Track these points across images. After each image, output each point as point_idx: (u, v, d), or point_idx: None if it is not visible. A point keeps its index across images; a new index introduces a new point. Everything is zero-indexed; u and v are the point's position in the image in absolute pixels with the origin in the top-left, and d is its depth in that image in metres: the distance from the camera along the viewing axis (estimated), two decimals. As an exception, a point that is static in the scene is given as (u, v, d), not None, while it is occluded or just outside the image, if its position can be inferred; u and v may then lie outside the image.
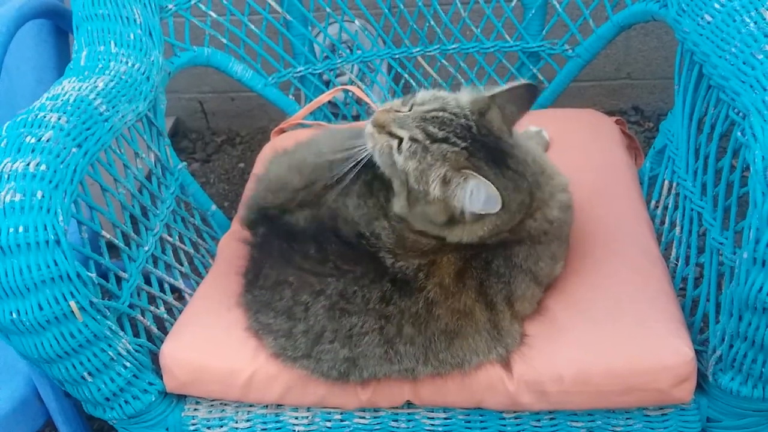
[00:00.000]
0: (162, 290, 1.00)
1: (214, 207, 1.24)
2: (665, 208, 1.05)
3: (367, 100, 1.36)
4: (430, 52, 1.37)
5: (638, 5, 1.14)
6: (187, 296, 1.05)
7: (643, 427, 0.86)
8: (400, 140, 0.83)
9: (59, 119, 0.84)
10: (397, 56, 1.38)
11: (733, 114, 0.80)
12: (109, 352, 0.81)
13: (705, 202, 0.90)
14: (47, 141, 0.81)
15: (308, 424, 0.91)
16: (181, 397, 0.94)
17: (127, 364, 0.84)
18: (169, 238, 1.05)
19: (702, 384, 0.84)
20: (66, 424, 1.08)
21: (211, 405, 0.93)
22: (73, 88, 0.91)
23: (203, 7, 1.25)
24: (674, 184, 1.03)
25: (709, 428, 0.86)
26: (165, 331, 0.95)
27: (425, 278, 0.83)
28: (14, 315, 0.74)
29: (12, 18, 1.09)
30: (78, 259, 0.77)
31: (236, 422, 0.92)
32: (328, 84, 1.43)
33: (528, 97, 0.85)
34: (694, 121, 0.96)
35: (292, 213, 0.91)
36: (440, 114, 0.83)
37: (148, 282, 0.97)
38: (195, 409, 0.93)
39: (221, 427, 0.92)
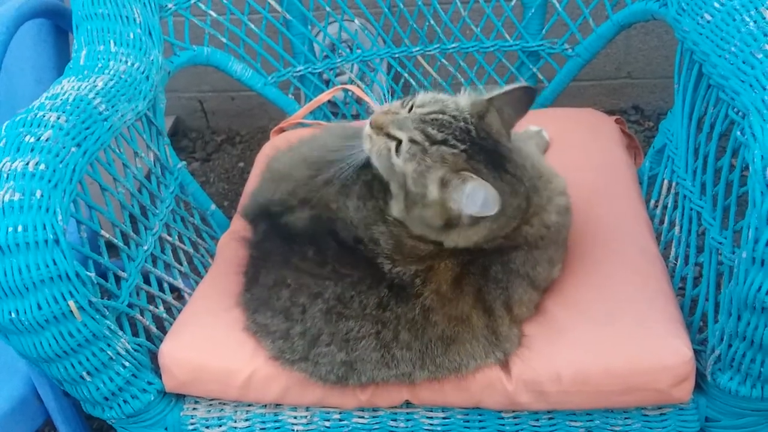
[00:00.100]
0: (161, 290, 1.00)
1: (213, 206, 1.24)
2: (664, 207, 1.05)
3: (366, 99, 1.36)
4: (429, 51, 1.37)
5: (638, 4, 1.14)
6: (186, 296, 1.05)
7: (641, 427, 0.86)
8: (399, 142, 0.83)
9: (58, 118, 0.84)
10: (396, 55, 1.38)
11: (733, 113, 0.80)
12: (108, 352, 0.81)
13: (704, 201, 0.90)
14: (46, 140, 0.81)
15: (307, 424, 0.91)
16: (180, 397, 0.94)
17: (126, 364, 0.84)
18: (168, 238, 1.05)
19: (701, 384, 0.84)
20: (65, 423, 1.08)
21: (210, 404, 0.93)
22: (72, 87, 0.91)
23: (203, 7, 1.25)
24: (674, 184, 1.03)
25: (707, 428, 0.86)
26: (164, 331, 0.95)
27: (422, 285, 0.83)
28: (13, 314, 0.74)
29: (11, 17, 1.09)
30: (77, 259, 0.77)
31: (235, 422, 0.92)
32: (327, 83, 1.43)
33: (526, 100, 0.85)
34: (693, 121, 0.96)
35: (292, 212, 0.91)
36: (440, 116, 0.83)
37: (147, 281, 0.97)
38: (194, 409, 0.93)
39: (220, 426, 0.92)
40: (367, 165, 0.89)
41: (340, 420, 0.90)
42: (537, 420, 0.87)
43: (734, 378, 0.79)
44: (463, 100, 0.85)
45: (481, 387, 0.85)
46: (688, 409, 0.85)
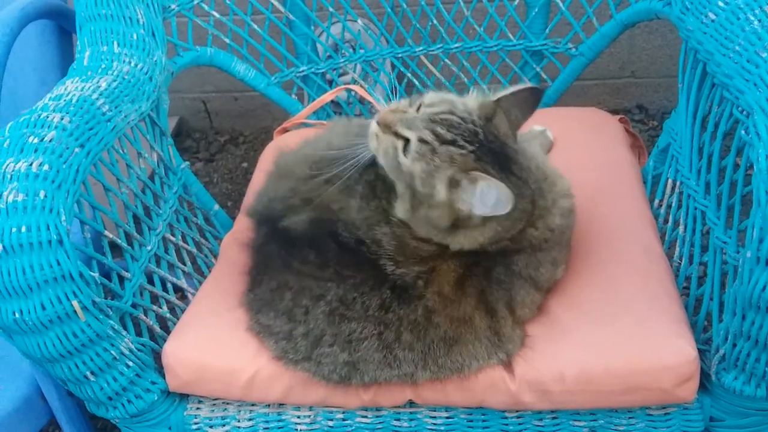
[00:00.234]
0: (165, 289, 1.00)
1: (217, 206, 1.24)
2: (669, 206, 1.04)
3: (370, 99, 1.36)
4: (433, 51, 1.37)
5: (642, 3, 1.13)
6: (189, 295, 1.05)
7: (646, 427, 0.86)
8: (406, 141, 0.82)
9: (62, 119, 0.84)
10: (400, 55, 1.38)
11: (737, 112, 0.80)
12: (112, 352, 0.81)
13: (708, 200, 0.90)
14: (50, 141, 0.81)
15: (310, 423, 0.91)
16: (184, 396, 0.94)
17: (130, 363, 0.85)
18: (171, 238, 1.05)
19: (705, 383, 0.84)
20: (69, 423, 1.09)
21: (214, 404, 0.93)
22: (76, 88, 0.91)
23: (206, 7, 1.25)
24: (678, 183, 1.03)
25: (712, 427, 0.86)
26: (168, 331, 0.95)
27: (424, 286, 0.83)
28: (17, 315, 0.74)
29: (15, 18, 1.10)
30: (81, 259, 0.77)
31: (238, 421, 0.92)
32: (330, 83, 1.43)
33: (533, 100, 0.84)
34: (697, 120, 0.96)
35: (292, 214, 0.91)
36: (449, 117, 0.82)
37: (150, 281, 0.97)
38: (197, 408, 0.93)
39: (223, 426, 0.92)
40: (370, 165, 0.88)
41: (344, 420, 0.90)
42: (541, 420, 0.87)
43: (739, 377, 0.79)
44: (471, 101, 0.85)
45: (484, 387, 0.84)
46: (692, 409, 0.85)
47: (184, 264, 1.07)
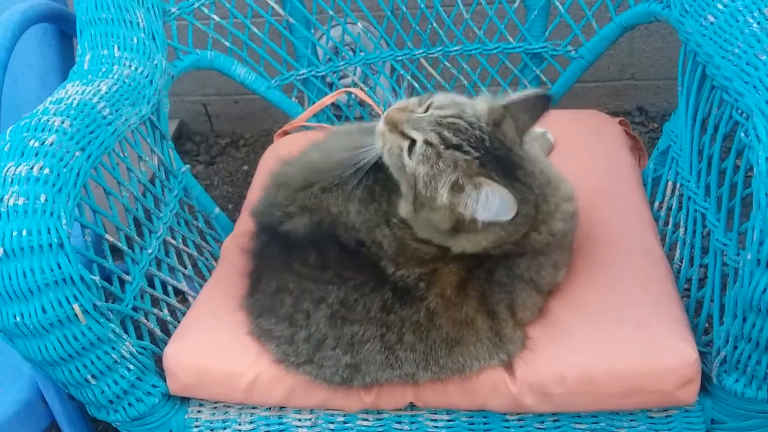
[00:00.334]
0: (165, 293, 1.01)
1: (217, 210, 1.24)
2: (669, 209, 1.04)
3: (370, 102, 1.36)
4: (432, 54, 1.37)
5: (641, 6, 1.13)
6: (190, 299, 1.05)
7: (647, 429, 0.85)
8: (412, 142, 0.82)
9: (63, 123, 0.84)
10: (399, 58, 1.38)
11: (737, 115, 0.80)
12: (113, 355, 0.82)
13: (709, 203, 0.90)
14: (51, 145, 0.81)
15: (311, 427, 0.91)
16: (185, 400, 0.94)
17: (131, 367, 0.85)
18: (172, 241, 1.05)
19: (706, 386, 0.84)
20: (70, 426, 1.08)
21: (215, 407, 0.93)
22: (76, 91, 0.91)
23: (206, 11, 1.25)
24: (678, 185, 1.03)
25: (713, 430, 0.86)
26: (168, 334, 0.95)
27: (426, 288, 0.83)
28: (18, 318, 0.74)
29: (16, 22, 1.10)
30: (81, 262, 0.77)
31: (239, 424, 0.92)
32: (331, 86, 1.43)
33: (541, 106, 0.84)
34: (697, 122, 0.96)
35: (290, 217, 0.91)
36: (457, 121, 0.81)
37: (151, 285, 0.97)
38: (198, 412, 0.93)
39: (224, 429, 0.92)
40: (370, 169, 0.88)
41: (345, 423, 0.90)
42: (542, 422, 0.87)
43: (740, 380, 0.79)
44: (480, 105, 0.84)
45: (485, 389, 0.84)
46: (693, 411, 0.85)
47: (185, 267, 1.07)
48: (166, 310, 0.99)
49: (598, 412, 0.86)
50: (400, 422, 0.90)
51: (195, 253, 1.11)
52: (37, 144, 0.80)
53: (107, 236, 0.90)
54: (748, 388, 0.79)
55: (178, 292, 1.04)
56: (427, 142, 0.81)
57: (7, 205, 0.75)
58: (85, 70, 0.99)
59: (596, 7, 1.23)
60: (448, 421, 0.89)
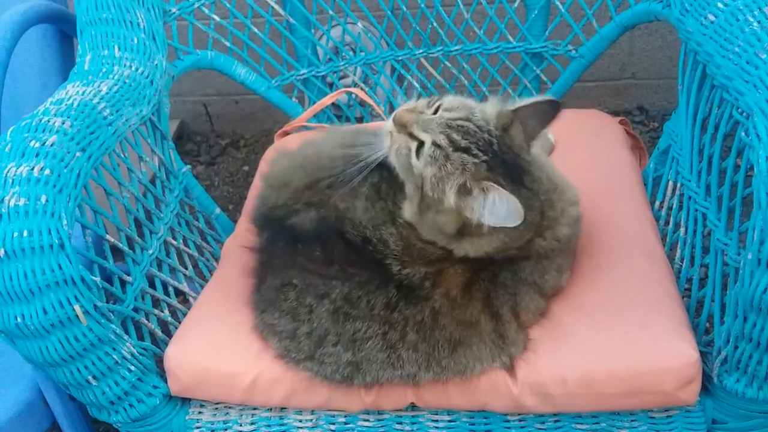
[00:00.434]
0: (166, 293, 1.01)
1: (218, 210, 1.24)
2: (669, 208, 1.04)
3: (370, 102, 1.36)
4: (433, 53, 1.37)
5: (641, 5, 1.13)
6: (191, 299, 1.05)
7: (648, 430, 0.85)
8: (421, 143, 0.82)
9: (63, 123, 0.84)
10: (400, 58, 1.38)
11: (737, 114, 0.80)
12: (114, 356, 0.82)
13: (709, 202, 0.90)
14: (51, 145, 0.81)
15: (312, 427, 0.91)
16: (186, 400, 0.94)
17: (132, 368, 0.85)
18: (173, 242, 1.05)
19: (707, 386, 0.84)
20: (71, 427, 1.08)
21: (216, 408, 0.93)
22: (77, 92, 0.91)
23: (206, 11, 1.25)
24: (678, 185, 1.03)
25: (714, 430, 0.86)
26: (169, 335, 0.95)
27: (432, 288, 0.83)
28: (19, 319, 0.74)
29: (16, 23, 1.10)
30: (82, 263, 0.77)
31: (240, 425, 0.92)
32: (331, 86, 1.43)
33: (551, 113, 0.84)
34: (698, 122, 0.95)
35: (297, 214, 0.91)
36: (466, 124, 0.81)
37: (152, 285, 0.97)
38: (199, 412, 0.93)
39: (225, 430, 0.92)
40: (374, 168, 0.88)
41: (346, 423, 0.90)
42: (543, 423, 0.87)
43: (741, 380, 0.79)
44: (489, 109, 0.84)
45: (486, 390, 0.84)
46: (694, 412, 0.85)
47: (186, 267, 1.07)
48: (166, 311, 0.99)
49: (599, 413, 0.86)
50: (401, 423, 0.90)
51: (196, 254, 1.11)
52: (37, 145, 0.80)
53: (108, 237, 0.90)
54: (749, 388, 0.79)
55: (178, 293, 1.04)
56: (435, 144, 0.81)
57: (8, 206, 0.75)
58: (85, 71, 0.99)
59: (596, 7, 1.23)
60: (449, 421, 0.89)
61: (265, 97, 1.35)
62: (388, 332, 0.82)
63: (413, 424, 0.90)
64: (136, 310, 0.91)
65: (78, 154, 0.83)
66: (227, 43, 1.28)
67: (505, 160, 0.81)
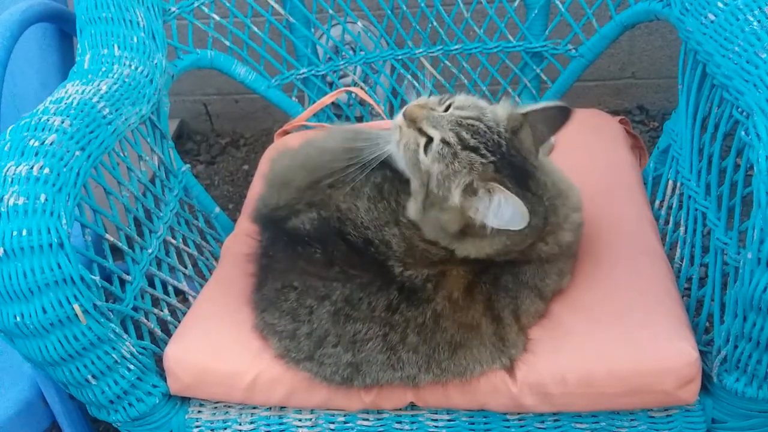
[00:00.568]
0: (166, 293, 1.00)
1: (217, 209, 1.24)
2: (669, 208, 1.04)
3: (370, 101, 1.36)
4: (433, 53, 1.37)
5: (641, 4, 1.13)
6: (190, 298, 1.05)
7: (647, 429, 0.85)
8: (429, 140, 0.82)
9: (63, 122, 0.84)
10: (399, 57, 1.38)
11: (737, 113, 0.80)
12: (113, 355, 0.81)
13: (709, 201, 0.90)
14: (51, 144, 0.81)
15: (312, 426, 0.91)
16: (185, 400, 0.94)
17: (131, 367, 0.85)
18: (172, 241, 1.05)
19: (707, 385, 0.84)
20: (71, 426, 1.08)
21: (215, 407, 0.93)
22: (76, 91, 0.91)
23: (206, 10, 1.25)
24: (678, 184, 1.03)
25: (714, 429, 0.86)
26: (169, 334, 0.95)
27: (434, 290, 0.82)
28: (18, 318, 0.74)
29: (16, 22, 1.10)
30: (81, 262, 0.77)
31: (240, 424, 0.92)
32: (331, 86, 1.43)
33: (561, 119, 0.83)
34: (698, 121, 0.95)
35: (297, 215, 0.91)
36: (476, 123, 0.81)
37: (151, 284, 0.97)
38: (199, 412, 0.93)
39: (225, 429, 0.92)
40: (377, 167, 0.88)
41: (345, 422, 0.90)
42: (542, 422, 0.87)
43: (740, 379, 0.79)
44: (501, 111, 0.84)
45: (485, 390, 0.84)
46: (694, 411, 0.85)
47: (185, 267, 1.07)
48: (166, 310, 0.99)
49: (599, 412, 0.86)
50: (400, 422, 0.90)
51: (195, 253, 1.11)
52: (37, 143, 0.80)
53: (107, 236, 0.90)
54: (749, 387, 0.79)
55: (178, 292, 1.04)
56: (444, 141, 0.81)
57: (7, 205, 0.75)
58: (85, 70, 0.99)
59: (596, 6, 1.23)
60: (449, 421, 0.89)
61: (264, 97, 1.35)
62: (389, 334, 0.82)
63: (413, 423, 0.90)
64: (135, 309, 0.91)
65: (77, 153, 0.83)
66: (227, 43, 1.28)
67: (512, 163, 0.81)
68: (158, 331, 0.95)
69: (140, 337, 0.91)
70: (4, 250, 0.73)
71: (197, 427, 0.92)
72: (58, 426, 1.09)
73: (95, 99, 0.90)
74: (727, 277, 0.83)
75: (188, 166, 1.16)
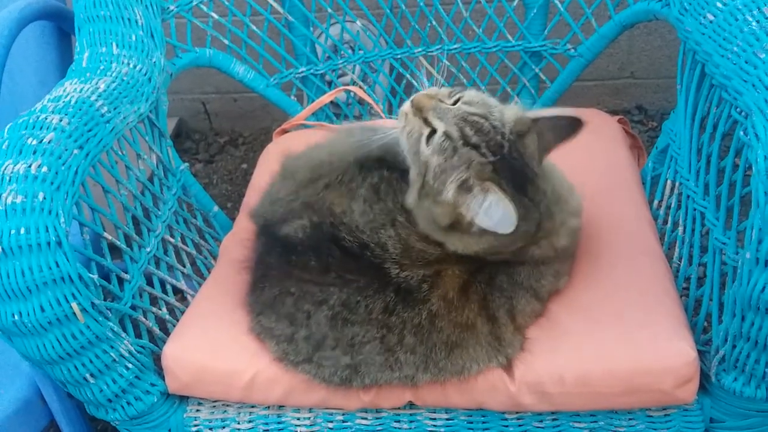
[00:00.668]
0: (164, 291, 1.00)
1: (216, 208, 1.24)
2: (668, 207, 1.04)
3: (369, 100, 1.36)
4: (432, 52, 1.37)
5: (640, 4, 1.13)
6: (189, 297, 1.04)
7: (645, 428, 0.85)
8: (433, 131, 0.82)
9: (61, 121, 0.84)
10: (399, 56, 1.38)
11: (736, 113, 0.80)
12: (111, 354, 0.81)
13: (708, 201, 0.90)
14: (48, 143, 0.81)
15: (310, 425, 0.91)
16: (184, 398, 0.94)
17: (129, 366, 0.84)
18: (171, 239, 1.05)
19: (705, 384, 0.84)
20: (69, 425, 1.08)
21: (213, 406, 0.93)
22: (74, 89, 0.91)
23: (205, 9, 1.25)
24: (677, 184, 1.03)
25: (712, 429, 0.86)
26: (167, 333, 0.95)
27: (429, 290, 0.82)
28: (16, 317, 0.74)
29: (14, 20, 1.10)
30: (80, 261, 0.77)
31: (238, 423, 0.92)
32: (330, 84, 1.43)
33: (570, 130, 0.82)
34: (696, 121, 0.96)
35: (293, 218, 0.90)
36: (481, 120, 0.81)
37: (150, 283, 0.97)
38: (197, 410, 0.93)
39: (223, 428, 0.92)
40: (374, 167, 0.88)
41: (344, 421, 0.90)
42: (541, 421, 0.87)
43: (739, 379, 0.79)
44: (509, 112, 0.83)
45: (483, 389, 0.84)
46: (692, 410, 0.85)
47: (184, 265, 1.07)
48: (164, 309, 0.98)
49: (597, 411, 0.86)
50: (398, 421, 0.90)
51: (194, 252, 1.10)
52: (35, 142, 0.80)
53: (105, 234, 0.89)
54: (747, 386, 0.79)
55: (176, 291, 1.04)
56: (447, 134, 0.80)
57: (5, 204, 0.75)
58: (83, 68, 0.99)
59: (595, 6, 1.23)
60: (447, 419, 0.89)
61: (263, 95, 1.35)
62: (387, 336, 0.82)
63: (411, 422, 0.90)
64: (133, 307, 0.91)
65: (75, 151, 0.83)
66: (226, 41, 1.28)
67: (512, 166, 0.80)
68: (156, 330, 0.95)
69: (138, 335, 0.91)
70: (2, 249, 0.73)
71: (195, 425, 0.92)
72: (56, 425, 1.09)
73: (94, 97, 0.90)
74: (726, 277, 0.83)
75: (186, 164, 1.15)
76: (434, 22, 1.34)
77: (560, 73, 1.31)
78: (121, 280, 0.91)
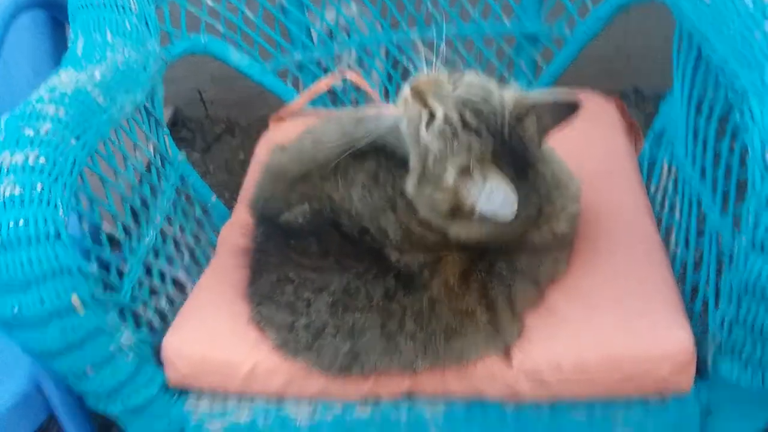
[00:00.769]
0: (163, 282, 1.00)
1: (214, 198, 1.23)
2: (665, 191, 1.04)
3: (365, 85, 1.35)
4: (427, 36, 1.36)
5: (637, -14, 1.13)
6: (188, 288, 1.04)
7: (642, 415, 0.86)
8: (432, 115, 0.81)
9: (57, 111, 0.83)
10: (395, 41, 1.37)
11: (732, 96, 0.80)
12: (111, 346, 0.81)
13: (704, 185, 0.90)
14: (46, 133, 0.80)
15: (310, 416, 0.91)
16: (184, 390, 0.94)
17: (129, 357, 0.85)
18: (169, 230, 1.05)
19: (702, 371, 0.84)
20: (69, 418, 1.08)
21: (213, 397, 0.93)
22: (70, 79, 0.90)
23: (198, -5, 1.24)
24: (673, 168, 1.03)
25: (708, 416, 0.86)
26: (167, 324, 0.95)
27: (430, 276, 0.82)
28: (15, 309, 0.74)
29: (7, 9, 1.09)
30: (79, 252, 0.77)
31: (238, 414, 0.92)
32: (325, 70, 1.42)
33: (568, 113, 0.82)
34: (692, 104, 0.95)
35: (289, 208, 0.90)
36: (481, 104, 0.80)
37: (149, 274, 0.97)
38: (197, 401, 0.93)
39: (223, 418, 0.92)
40: (370, 154, 0.88)
41: (343, 412, 0.91)
42: (538, 411, 0.87)
43: (735, 365, 0.79)
44: (509, 95, 0.83)
45: (482, 376, 0.85)
46: (689, 398, 0.85)
47: (183, 256, 1.07)
48: (164, 300, 0.99)
49: (594, 402, 0.86)
50: (397, 411, 0.90)
51: (192, 242, 1.10)
52: (32, 132, 0.79)
53: (104, 225, 0.89)
54: (743, 373, 0.79)
55: (175, 282, 1.04)
56: (447, 119, 0.79)
57: (3, 195, 0.74)
58: (78, 57, 0.98)
59: (591, -13, 1.22)
60: (446, 410, 0.89)
61: (259, 82, 1.34)
62: (387, 322, 0.82)
63: (410, 412, 0.90)
64: (133, 299, 0.91)
65: (72, 141, 0.82)
66: (221, 28, 1.27)
67: (513, 150, 0.80)
68: (156, 321, 0.95)
69: (138, 327, 0.91)
70: (1, 241, 0.73)
71: (196, 416, 0.93)
72: (55, 418, 1.09)
73: (89, 87, 0.89)
74: (722, 262, 0.83)
75: (183, 154, 1.15)
76: (430, 6, 1.33)
77: (556, 56, 1.31)
78: (120, 272, 0.91)
